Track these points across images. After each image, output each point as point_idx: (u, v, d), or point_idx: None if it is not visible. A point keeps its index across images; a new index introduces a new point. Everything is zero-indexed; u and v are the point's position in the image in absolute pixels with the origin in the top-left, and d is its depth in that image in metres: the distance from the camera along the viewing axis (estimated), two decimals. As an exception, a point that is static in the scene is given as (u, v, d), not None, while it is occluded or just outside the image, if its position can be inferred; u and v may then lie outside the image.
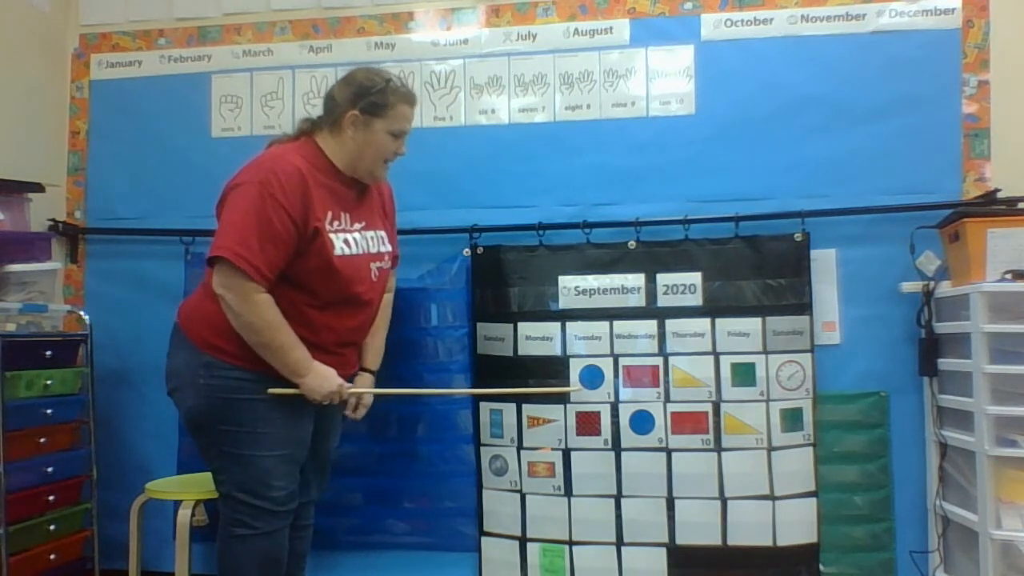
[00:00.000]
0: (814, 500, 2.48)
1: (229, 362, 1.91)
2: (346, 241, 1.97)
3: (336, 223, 1.96)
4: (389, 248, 2.15)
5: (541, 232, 2.64)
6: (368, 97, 1.96)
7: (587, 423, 2.55)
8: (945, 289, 2.42)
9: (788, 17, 2.64)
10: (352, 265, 1.98)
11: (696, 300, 2.55)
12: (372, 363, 2.22)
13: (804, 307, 2.51)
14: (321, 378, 1.96)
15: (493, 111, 2.78)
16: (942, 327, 2.42)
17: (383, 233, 2.13)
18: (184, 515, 2.28)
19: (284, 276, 1.89)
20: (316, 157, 1.98)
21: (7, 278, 2.57)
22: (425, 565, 2.64)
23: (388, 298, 2.27)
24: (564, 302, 2.60)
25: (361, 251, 2.01)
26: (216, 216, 1.91)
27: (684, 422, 2.51)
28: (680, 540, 2.49)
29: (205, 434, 1.97)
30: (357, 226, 2.02)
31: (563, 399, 2.56)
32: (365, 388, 2.18)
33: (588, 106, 2.73)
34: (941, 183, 2.53)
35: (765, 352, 2.50)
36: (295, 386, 1.94)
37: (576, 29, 2.75)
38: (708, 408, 2.50)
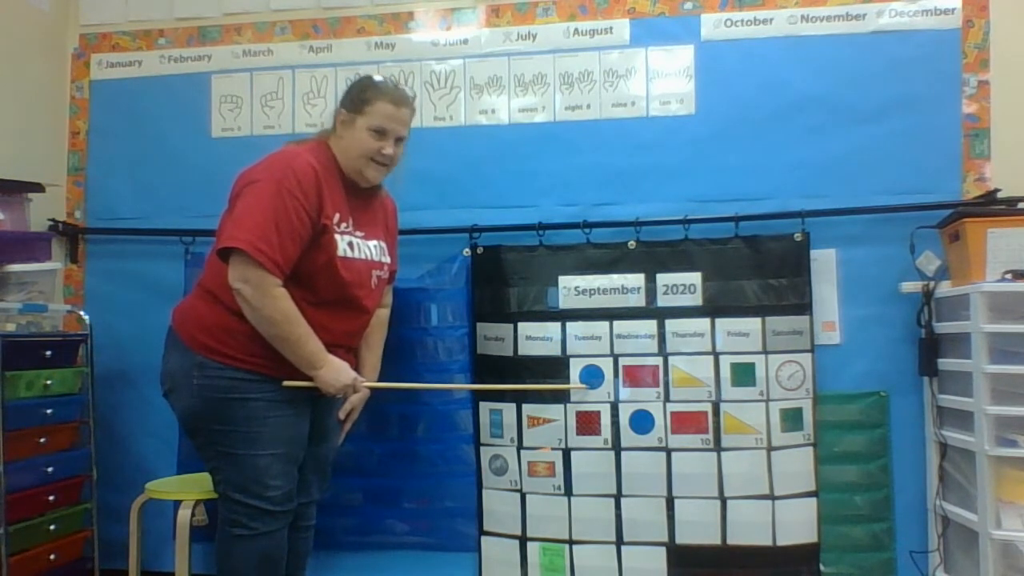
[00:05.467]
0: (814, 500, 2.48)
1: (222, 362, 1.92)
2: (349, 244, 1.99)
3: (343, 225, 1.98)
4: (388, 260, 2.17)
5: (541, 232, 2.64)
6: (352, 95, 2.01)
7: (587, 423, 2.55)
8: (945, 289, 2.42)
9: (788, 17, 2.64)
10: (353, 268, 1.99)
11: (696, 300, 2.54)
12: (369, 377, 2.23)
13: (804, 307, 2.51)
14: (336, 371, 1.98)
15: (493, 111, 2.78)
16: (942, 327, 2.42)
17: (384, 245, 2.15)
18: (184, 515, 2.28)
19: None
20: (327, 160, 2.01)
21: (7, 278, 2.57)
22: (425, 565, 2.64)
23: (385, 313, 2.29)
24: (564, 302, 2.60)
25: (363, 256, 2.03)
26: (229, 209, 1.92)
27: (684, 422, 2.51)
28: (680, 540, 2.49)
29: (201, 434, 1.98)
30: (360, 233, 2.04)
31: (563, 399, 2.56)
32: (379, 383, 2.20)
33: (588, 106, 2.73)
34: (941, 183, 2.53)
35: (765, 352, 2.50)
36: (308, 379, 1.95)
37: (576, 29, 2.75)
38: (708, 408, 2.50)
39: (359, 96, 2.00)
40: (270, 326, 1.87)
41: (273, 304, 1.85)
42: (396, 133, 2.03)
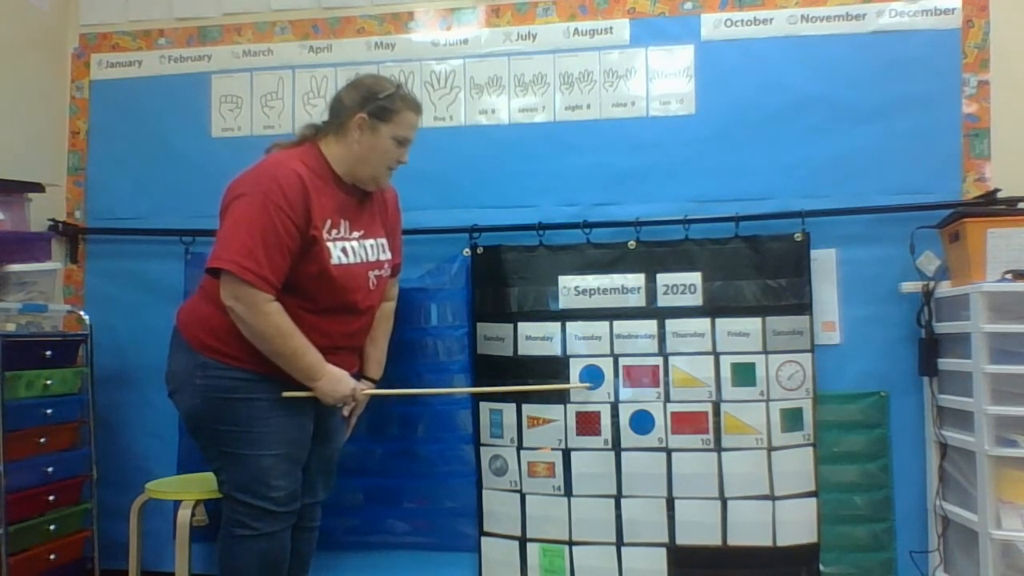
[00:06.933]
0: (814, 500, 2.48)
1: (225, 363, 1.92)
2: (343, 250, 1.97)
3: (335, 231, 1.96)
4: (389, 256, 2.14)
5: (541, 232, 2.64)
6: (377, 101, 1.97)
7: (587, 423, 2.55)
8: (945, 289, 2.42)
9: (788, 17, 2.64)
10: (349, 274, 1.98)
11: (696, 300, 2.54)
12: (374, 372, 2.23)
13: (804, 307, 2.51)
14: (335, 381, 1.98)
15: (493, 111, 2.78)
16: (942, 327, 2.42)
17: (383, 241, 2.13)
18: (184, 515, 2.28)
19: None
20: (317, 163, 1.98)
21: (7, 278, 2.57)
22: (425, 565, 2.64)
23: (390, 307, 2.27)
24: (564, 302, 2.60)
25: (359, 260, 2.01)
26: (219, 223, 1.91)
27: (684, 422, 2.51)
28: (680, 540, 2.48)
29: (204, 435, 1.98)
30: (356, 234, 2.02)
31: (563, 399, 2.56)
32: (379, 390, 2.19)
33: (588, 106, 2.73)
34: (941, 183, 2.53)
35: (765, 352, 2.50)
36: (308, 389, 1.95)
37: (576, 29, 2.75)
38: (708, 408, 2.50)
39: (388, 104, 1.97)
40: (265, 342, 1.87)
41: (266, 320, 1.85)
42: (411, 140, 2.04)
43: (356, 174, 2.02)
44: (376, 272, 2.08)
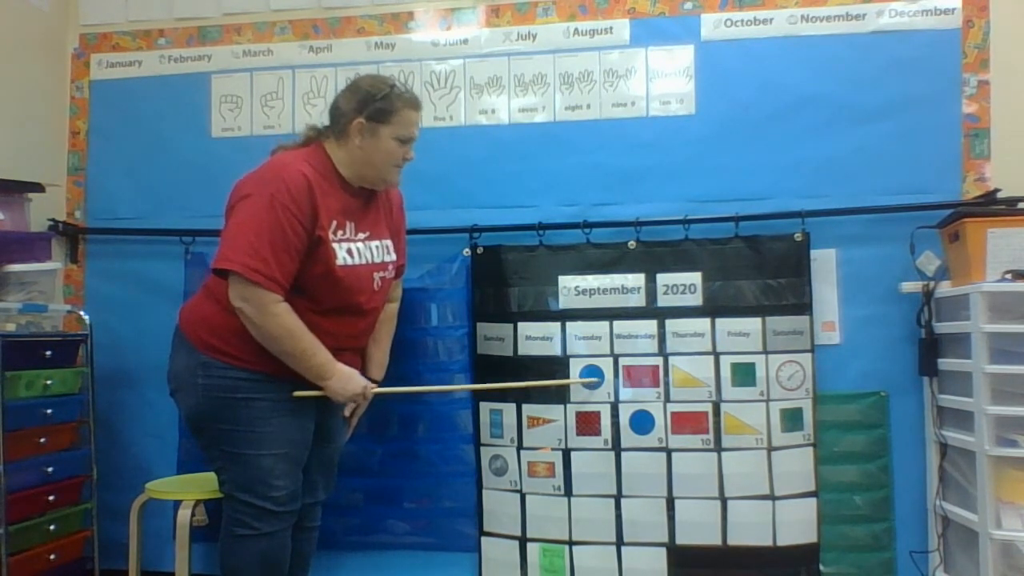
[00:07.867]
0: (814, 500, 2.48)
1: (226, 362, 1.92)
2: (349, 251, 1.97)
3: (340, 232, 1.96)
4: (394, 257, 2.14)
5: (541, 232, 2.64)
6: (373, 104, 1.96)
7: (587, 423, 2.55)
8: (945, 289, 2.42)
9: (788, 17, 2.64)
10: (354, 275, 1.98)
11: (696, 300, 2.54)
12: (376, 373, 2.22)
13: (804, 307, 2.51)
14: (345, 380, 1.98)
15: (493, 111, 2.78)
16: (942, 327, 2.42)
17: (388, 242, 2.12)
18: (184, 515, 2.27)
19: None
20: (323, 165, 1.98)
21: (7, 278, 2.57)
22: (425, 565, 2.64)
23: (393, 308, 2.27)
24: (564, 302, 2.60)
25: (364, 261, 2.01)
26: (224, 223, 1.91)
27: (684, 422, 2.51)
28: (680, 540, 2.48)
29: (205, 434, 1.98)
30: (361, 236, 2.02)
31: (563, 399, 2.56)
32: (387, 388, 2.19)
33: (588, 106, 2.73)
34: (941, 183, 2.53)
35: (765, 352, 2.50)
36: (318, 388, 1.95)
37: (576, 29, 2.75)
38: (708, 408, 2.50)
39: (384, 106, 1.95)
40: (274, 342, 1.87)
41: (274, 321, 1.85)
42: (415, 137, 2.03)
43: (364, 176, 2.01)
44: (381, 273, 2.08)
